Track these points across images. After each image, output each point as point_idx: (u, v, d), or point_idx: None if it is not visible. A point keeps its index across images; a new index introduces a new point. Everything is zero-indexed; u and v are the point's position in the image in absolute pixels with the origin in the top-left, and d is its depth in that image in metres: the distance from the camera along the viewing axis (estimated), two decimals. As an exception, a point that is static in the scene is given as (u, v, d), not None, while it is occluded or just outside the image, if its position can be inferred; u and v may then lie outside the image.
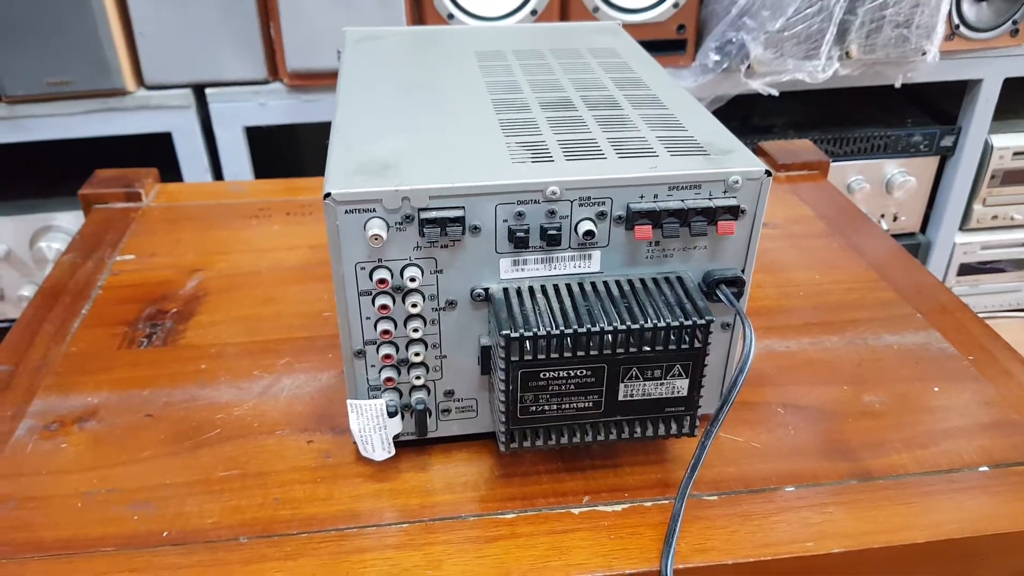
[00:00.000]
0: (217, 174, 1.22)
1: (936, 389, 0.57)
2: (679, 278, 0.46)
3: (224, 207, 0.82)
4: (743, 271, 0.47)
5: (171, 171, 1.18)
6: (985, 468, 0.51)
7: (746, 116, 1.43)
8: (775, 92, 1.22)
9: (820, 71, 1.20)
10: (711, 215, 0.44)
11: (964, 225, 1.52)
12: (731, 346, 0.50)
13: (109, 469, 0.50)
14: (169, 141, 1.18)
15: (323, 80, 1.15)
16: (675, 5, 1.17)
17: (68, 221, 1.20)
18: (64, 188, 1.18)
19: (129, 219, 0.79)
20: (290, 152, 1.57)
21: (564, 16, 1.18)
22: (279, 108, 1.17)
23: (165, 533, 0.46)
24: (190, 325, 0.64)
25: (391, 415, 0.48)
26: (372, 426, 0.48)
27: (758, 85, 1.21)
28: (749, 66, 1.19)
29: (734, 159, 0.45)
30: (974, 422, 0.54)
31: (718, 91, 1.23)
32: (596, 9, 1.17)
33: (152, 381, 0.58)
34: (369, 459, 0.50)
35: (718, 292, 0.46)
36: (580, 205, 0.44)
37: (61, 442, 0.52)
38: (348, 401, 0.48)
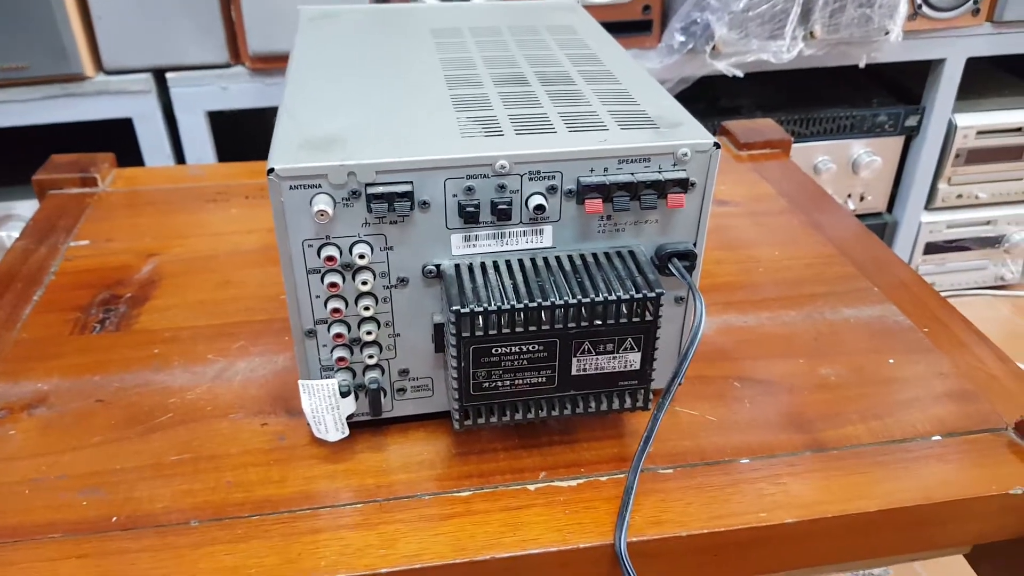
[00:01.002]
0: (180, 160, 1.21)
1: (891, 361, 0.58)
2: (631, 252, 0.46)
3: (182, 191, 0.81)
4: (695, 244, 0.47)
5: (134, 158, 1.17)
6: (938, 437, 0.51)
7: (714, 97, 1.44)
8: (740, 73, 1.22)
9: (785, 51, 1.21)
10: (661, 188, 0.44)
11: (930, 204, 1.54)
12: (685, 320, 0.50)
13: (58, 455, 0.49)
14: (131, 127, 1.16)
15: (285, 63, 1.13)
16: (639, -15, 1.17)
17: (28, 210, 1.18)
18: (24, 176, 1.15)
19: (84, 204, 0.78)
20: (259, 137, 1.55)
21: (528, -3, 1.17)
22: (241, 92, 1.16)
23: (114, 518, 0.45)
24: (144, 310, 0.63)
25: (344, 395, 0.48)
26: (325, 406, 0.48)
27: (723, 66, 1.21)
28: (714, 47, 1.19)
29: (683, 132, 0.45)
30: (928, 393, 0.55)
31: (684, 72, 1.23)
32: (560, -10, 1.16)
33: (104, 366, 0.57)
34: (324, 440, 0.49)
35: (670, 266, 0.46)
36: (530, 179, 0.44)
37: (9, 429, 0.51)
38: (300, 382, 0.47)
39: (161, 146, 1.17)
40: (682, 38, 1.18)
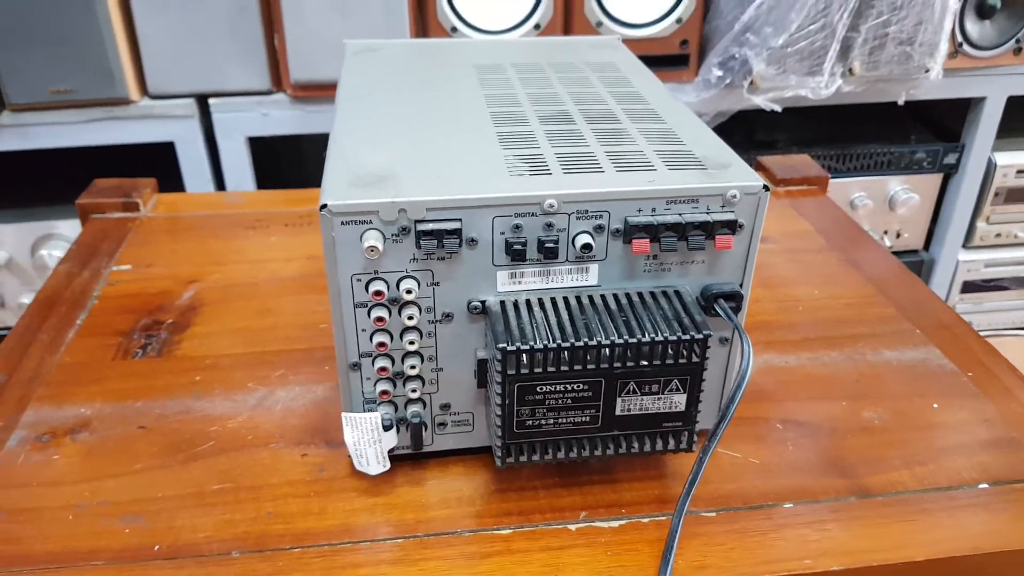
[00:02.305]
0: (220, 184, 1.22)
1: (935, 406, 0.57)
2: (677, 292, 0.46)
3: (222, 217, 0.82)
4: (741, 286, 0.47)
5: (174, 181, 1.18)
6: (984, 485, 0.50)
7: (749, 131, 1.43)
8: (778, 108, 1.21)
9: (823, 87, 1.20)
10: (709, 229, 0.44)
11: (967, 243, 1.52)
12: (729, 361, 0.50)
13: (101, 481, 0.50)
14: (172, 151, 1.18)
15: (326, 91, 1.15)
16: (678, 21, 1.17)
17: (69, 229, 1.20)
18: (66, 196, 1.17)
19: (126, 229, 0.79)
20: (293, 163, 1.57)
21: (567, 31, 1.18)
22: (282, 119, 1.17)
23: (156, 547, 0.45)
24: (185, 336, 0.63)
25: (386, 428, 0.48)
26: (367, 439, 0.48)
27: (761, 101, 1.21)
28: (752, 82, 1.19)
29: (732, 173, 0.45)
30: (973, 439, 0.54)
31: (721, 106, 1.23)
32: (599, 24, 1.17)
33: (146, 392, 0.57)
34: (364, 473, 0.49)
35: (716, 307, 0.46)
36: (578, 218, 0.44)
37: (53, 454, 0.52)
38: (343, 414, 0.47)
39: (202, 170, 1.19)
40: (719, 73, 1.18)
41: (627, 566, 0.44)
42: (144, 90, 1.15)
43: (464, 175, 0.45)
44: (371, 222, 0.42)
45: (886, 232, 1.46)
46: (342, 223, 0.42)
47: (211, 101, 1.16)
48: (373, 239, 0.42)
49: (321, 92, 1.15)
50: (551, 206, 0.43)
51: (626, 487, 0.49)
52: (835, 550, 0.46)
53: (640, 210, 0.44)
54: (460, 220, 0.43)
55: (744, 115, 1.27)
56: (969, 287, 1.54)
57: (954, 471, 0.51)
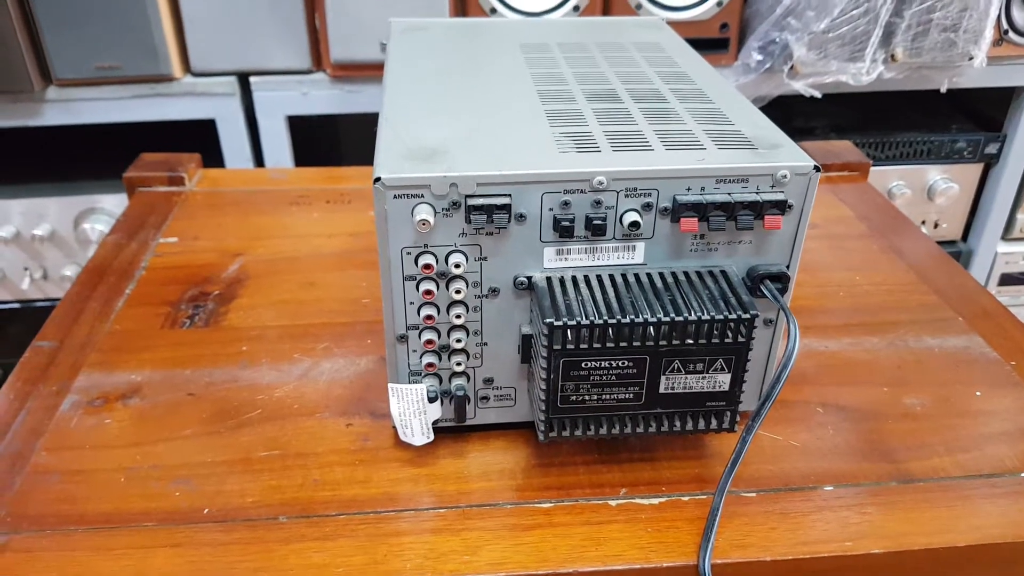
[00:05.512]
0: (259, 162, 1.23)
1: (978, 393, 0.57)
2: (723, 272, 0.46)
3: (265, 193, 0.83)
4: (788, 267, 0.47)
5: (214, 158, 1.20)
6: (1029, 474, 0.50)
7: (787, 117, 1.42)
8: (818, 94, 1.20)
9: (864, 73, 1.19)
10: (758, 209, 0.44)
11: (1007, 234, 1.50)
12: (773, 343, 0.50)
13: (151, 446, 0.51)
14: (213, 128, 1.19)
15: (366, 71, 1.15)
16: (719, 3, 1.16)
17: (112, 204, 1.22)
18: (109, 171, 1.20)
19: (172, 203, 0.80)
20: (330, 142, 1.58)
21: (606, 13, 1.17)
22: (322, 98, 1.18)
23: (206, 510, 0.47)
24: (232, 307, 0.64)
25: (431, 400, 0.48)
26: (412, 411, 0.48)
27: (801, 86, 1.20)
28: (792, 67, 1.18)
29: (782, 154, 0.45)
30: (1016, 427, 0.54)
31: (760, 91, 1.22)
32: (639, 6, 1.16)
33: (194, 361, 0.58)
34: (407, 444, 0.50)
35: (762, 287, 0.46)
36: (626, 196, 0.44)
37: (105, 418, 0.53)
38: (389, 385, 0.48)
39: (242, 148, 1.20)
40: (759, 57, 1.17)
41: (668, 543, 0.45)
42: (187, 68, 1.16)
43: (514, 152, 0.45)
44: (423, 196, 0.42)
45: (924, 222, 1.44)
46: (395, 196, 0.42)
47: (252, 79, 1.17)
48: (424, 213, 0.42)
49: (361, 72, 1.16)
50: (600, 183, 0.43)
51: (666, 466, 0.50)
52: (876, 533, 0.46)
53: (689, 189, 0.44)
54: (510, 196, 0.43)
55: (782, 101, 1.26)
56: (1007, 279, 1.52)
57: (997, 458, 0.51)
